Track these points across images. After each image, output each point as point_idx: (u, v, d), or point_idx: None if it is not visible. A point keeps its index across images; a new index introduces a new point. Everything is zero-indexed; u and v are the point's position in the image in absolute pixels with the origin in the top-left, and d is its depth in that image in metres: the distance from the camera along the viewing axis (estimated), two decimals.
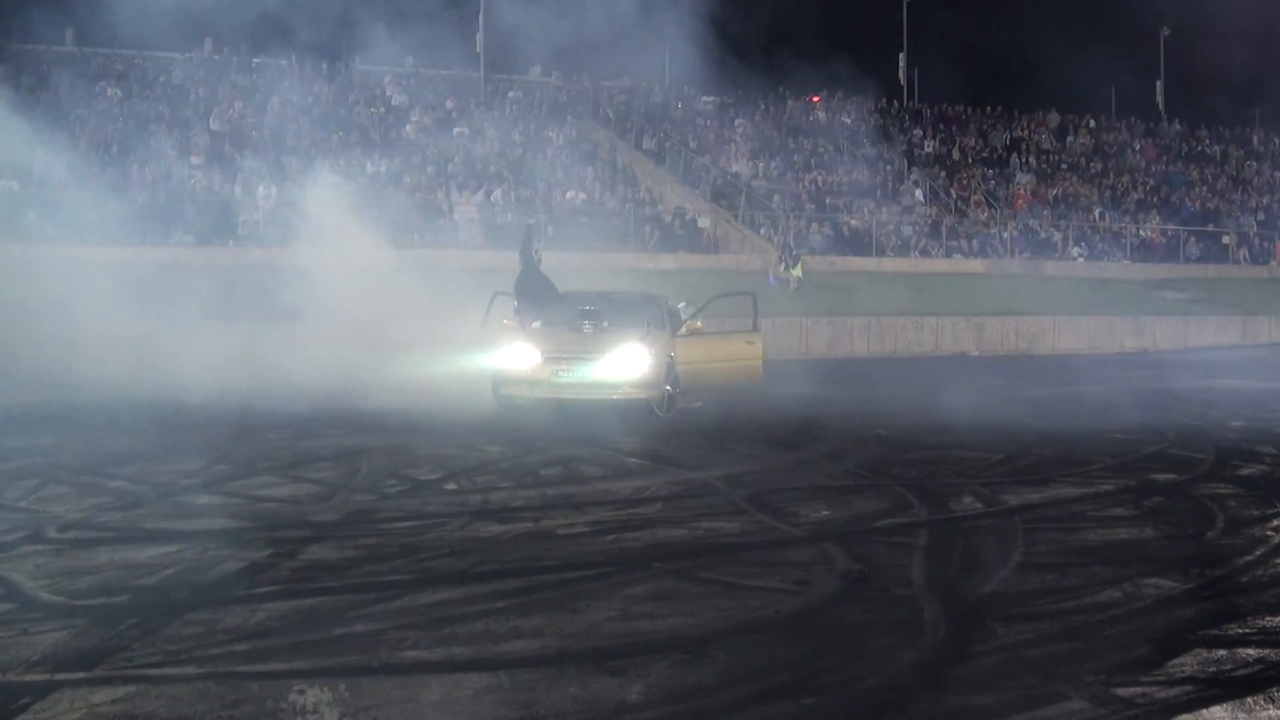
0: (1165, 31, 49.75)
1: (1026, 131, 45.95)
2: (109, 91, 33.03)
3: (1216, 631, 5.83)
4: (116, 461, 10.73)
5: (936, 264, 34.77)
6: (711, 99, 42.91)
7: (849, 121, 43.49)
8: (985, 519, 8.42)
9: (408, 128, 35.39)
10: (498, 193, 32.48)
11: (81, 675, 4.99)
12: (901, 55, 47.73)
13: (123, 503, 8.83)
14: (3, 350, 18.90)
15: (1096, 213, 40.64)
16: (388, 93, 37.42)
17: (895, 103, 46.51)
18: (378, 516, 8.44)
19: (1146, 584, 6.61)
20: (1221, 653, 5.47)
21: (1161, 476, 10.43)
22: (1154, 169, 44.98)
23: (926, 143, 43.26)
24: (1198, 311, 32.48)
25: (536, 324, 15.18)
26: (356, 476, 10.06)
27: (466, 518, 8.33)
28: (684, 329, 15.27)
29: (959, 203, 39.44)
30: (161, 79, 35.04)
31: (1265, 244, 40.50)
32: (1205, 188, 43.69)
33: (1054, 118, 46.94)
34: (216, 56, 37.28)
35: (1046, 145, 45.33)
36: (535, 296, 16.26)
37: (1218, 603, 6.32)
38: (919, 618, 5.85)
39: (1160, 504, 9.19)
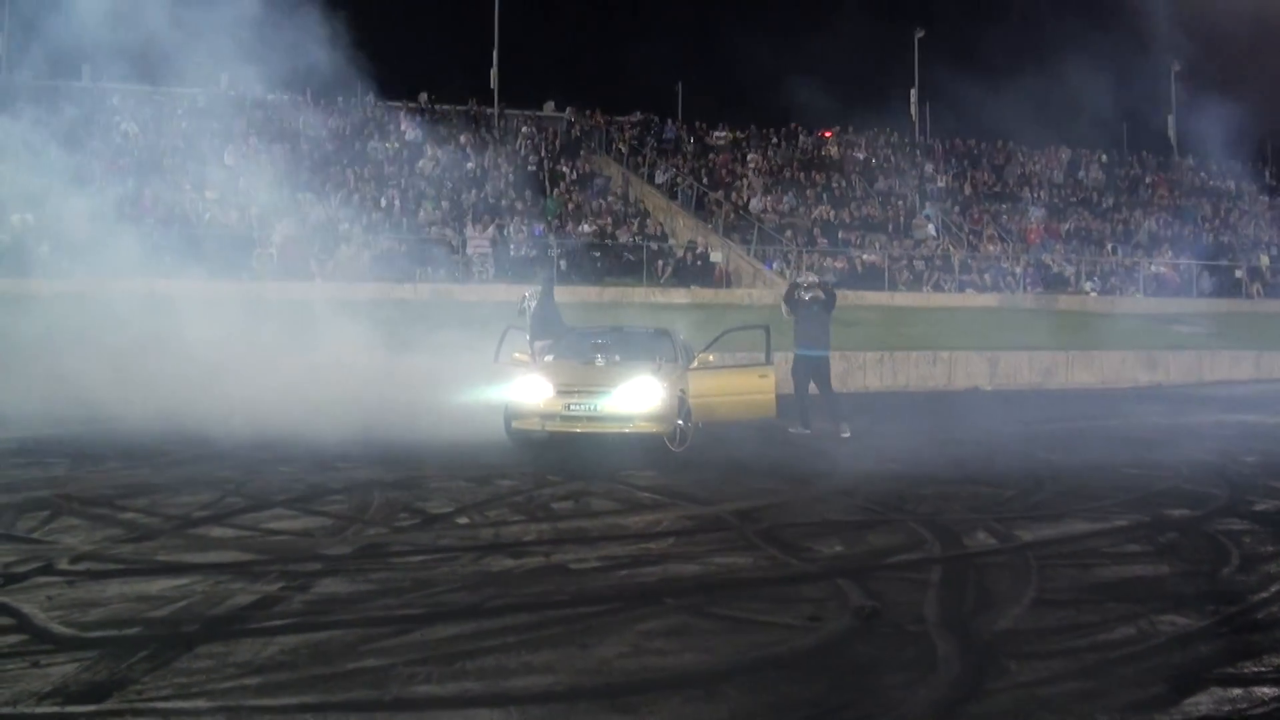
0: (1176, 66, 49.85)
1: (1038, 166, 46.01)
2: (124, 126, 33.27)
3: (1232, 670, 5.79)
4: (129, 493, 10.75)
5: (949, 298, 34.77)
6: (724, 133, 43.07)
7: (861, 156, 43.62)
8: (999, 555, 8.39)
9: (421, 162, 35.55)
10: (510, 227, 32.61)
11: (92, 708, 4.99)
12: (913, 90, 47.84)
13: (134, 534, 8.84)
14: (17, 383, 18.98)
15: (1109, 247, 40.64)
16: (402, 127, 37.61)
17: (907, 137, 46.63)
18: (390, 550, 8.43)
19: (1161, 621, 6.57)
20: (1237, 691, 5.43)
21: (1176, 512, 10.37)
22: (1166, 203, 44.98)
23: (938, 177, 43.34)
24: (1211, 346, 32.35)
25: (548, 357, 15.21)
26: (369, 510, 10.05)
27: (478, 552, 8.32)
28: (695, 362, 15.29)
29: (971, 237, 39.47)
30: (180, 113, 35.31)
31: (1278, 278, 40.40)
32: (1218, 222, 43.68)
33: (1065, 152, 47.02)
34: (232, 93, 37.54)
35: (1058, 180, 45.38)
36: (548, 329, 16.30)
37: (1233, 640, 6.28)
38: (932, 655, 5.82)
39: (1175, 540, 9.13)
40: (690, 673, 5.57)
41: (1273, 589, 7.41)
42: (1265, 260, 41.21)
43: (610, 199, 36.64)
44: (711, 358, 15.65)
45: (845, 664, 5.77)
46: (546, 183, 36.49)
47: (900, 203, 40.56)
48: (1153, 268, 39.48)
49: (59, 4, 27.32)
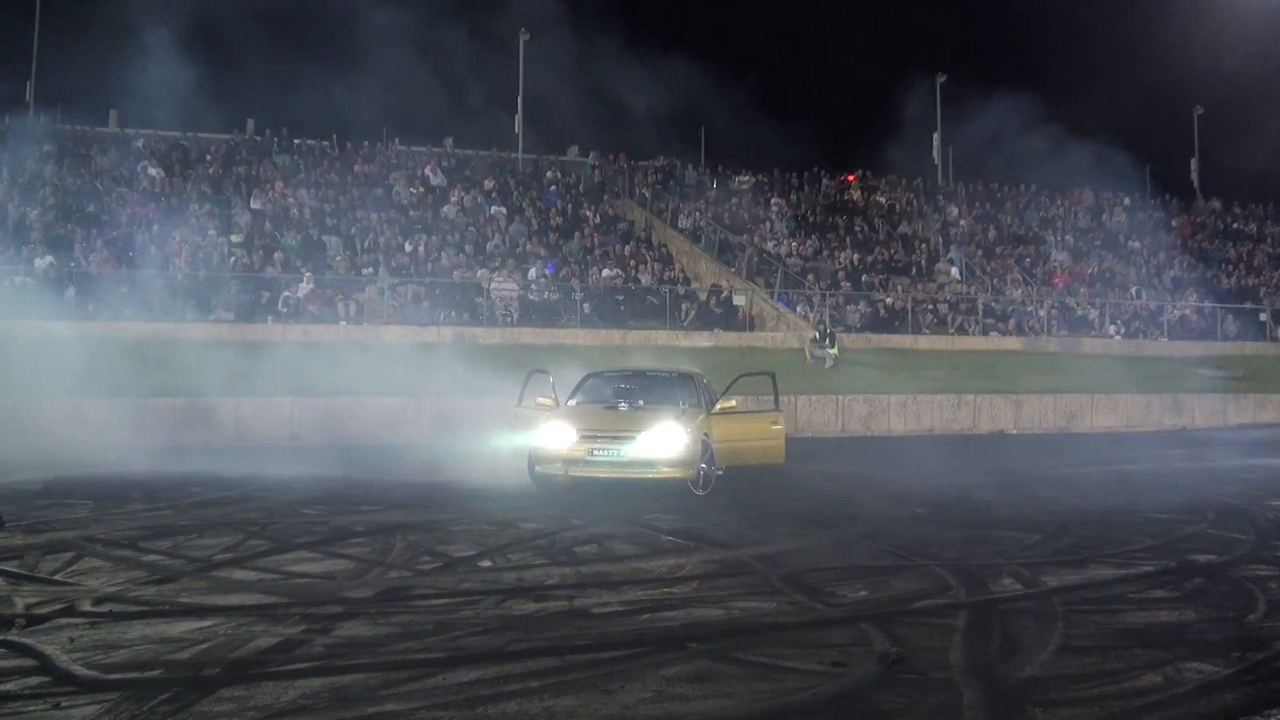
0: (1199, 110, 49.84)
1: (1061, 209, 45.95)
2: (150, 171, 33.55)
3: (1258, 718, 5.72)
4: (152, 535, 10.78)
5: (973, 341, 34.67)
6: (747, 178, 43.19)
7: (883, 200, 43.65)
8: (1024, 601, 8.32)
9: (446, 207, 35.73)
10: (531, 271, 32.71)
11: None
12: (935, 134, 47.87)
13: (157, 576, 8.85)
14: (40, 424, 19.08)
15: (1133, 290, 40.51)
16: (427, 173, 37.84)
17: (929, 181, 46.63)
18: (412, 593, 8.42)
19: (1187, 668, 6.50)
20: None
21: (1202, 557, 10.30)
22: (1189, 246, 44.84)
23: (961, 221, 43.30)
24: (1236, 389, 32.21)
25: (572, 402, 15.19)
26: (391, 553, 10.06)
27: (500, 595, 8.30)
28: (717, 407, 15.23)
29: (995, 280, 39.41)
30: (208, 157, 35.60)
31: None
32: (1241, 265, 43.51)
33: (1088, 196, 46.94)
34: (258, 138, 37.85)
35: (1082, 223, 45.30)
36: None
37: (1260, 687, 6.21)
38: (958, 702, 5.77)
39: (1201, 586, 9.05)
40: (713, 718, 5.53)
41: None
42: None
43: (634, 243, 36.72)
44: (733, 402, 15.62)
45: (870, 711, 5.72)
46: (570, 227, 36.60)
47: (923, 246, 40.54)
48: (1177, 311, 39.33)
49: (86, 49, 27.70)
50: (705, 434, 14.33)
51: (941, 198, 45.26)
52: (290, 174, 35.54)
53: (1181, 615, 8.01)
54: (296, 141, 37.74)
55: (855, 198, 43.78)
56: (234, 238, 31.09)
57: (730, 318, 33.09)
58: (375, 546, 10.41)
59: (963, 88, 48.99)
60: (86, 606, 7.68)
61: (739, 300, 33.85)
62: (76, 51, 29.74)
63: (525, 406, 15.36)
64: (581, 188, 40.48)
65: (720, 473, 14.63)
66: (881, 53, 58.53)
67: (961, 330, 35.52)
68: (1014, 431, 27.54)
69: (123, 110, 37.19)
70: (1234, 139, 47.40)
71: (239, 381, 21.50)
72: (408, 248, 32.45)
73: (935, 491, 15.22)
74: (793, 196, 42.70)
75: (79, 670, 6.14)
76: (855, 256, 38.26)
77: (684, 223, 39.01)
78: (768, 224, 39.99)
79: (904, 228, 41.86)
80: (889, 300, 35.78)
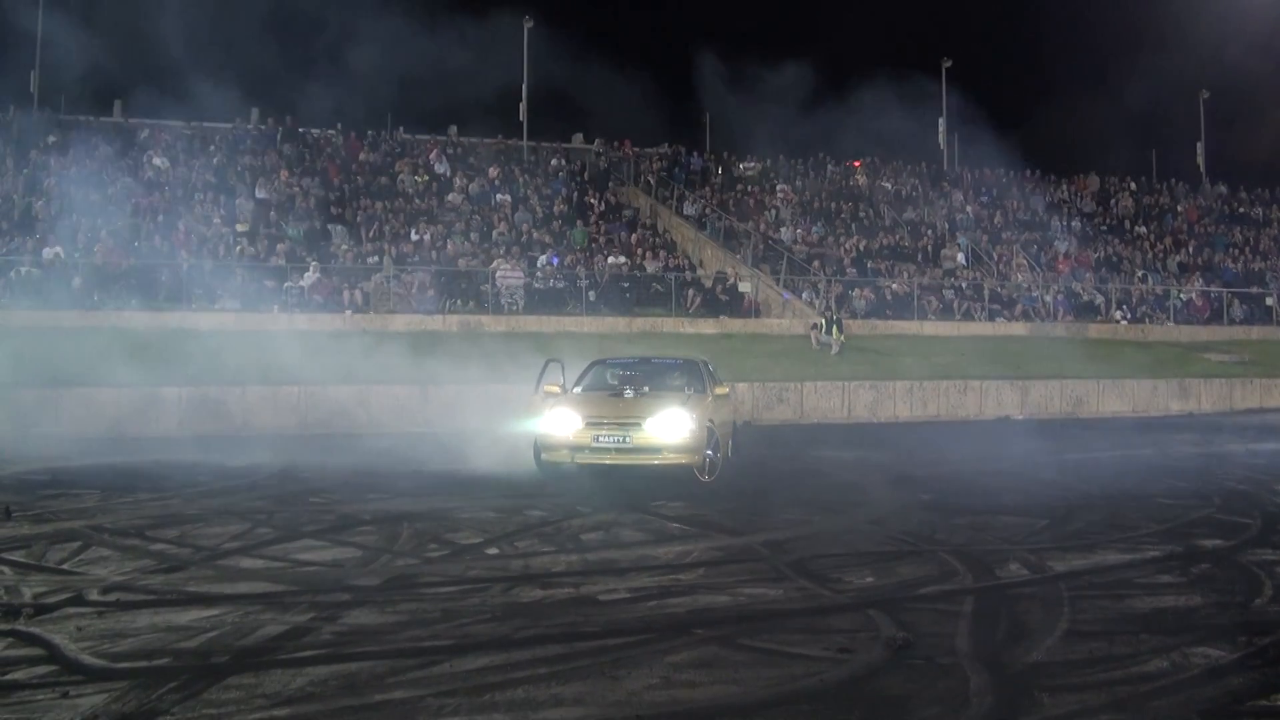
0: (1205, 94, 49.66)
1: (1067, 195, 45.84)
2: (155, 161, 33.55)
3: (1265, 702, 5.73)
4: (159, 524, 10.80)
5: (979, 327, 34.62)
6: (752, 164, 43.11)
7: (889, 186, 43.55)
8: (1031, 586, 8.32)
9: (451, 195, 35.71)
10: (541, 259, 32.70)
11: None
12: (941, 120, 47.70)
13: (165, 565, 8.87)
14: (48, 413, 19.13)
15: (1139, 274, 40.42)
16: (431, 161, 37.79)
17: (935, 167, 46.51)
18: (419, 581, 8.43)
19: (1194, 653, 6.50)
20: None
21: (1208, 542, 10.28)
22: (1196, 231, 44.75)
23: (967, 207, 43.21)
24: (1243, 374, 32.16)
25: (577, 389, 15.18)
26: (398, 541, 10.07)
27: (507, 583, 8.31)
28: (714, 393, 15.25)
29: (1001, 265, 39.34)
30: (212, 148, 35.56)
31: None
32: (1248, 249, 43.40)
33: (1094, 181, 46.83)
34: (263, 127, 37.81)
35: (1088, 208, 45.19)
36: None
37: (1267, 672, 6.20)
38: (964, 687, 5.77)
39: (1207, 571, 9.04)
40: (720, 705, 5.54)
41: None
42: None
43: (639, 230, 36.69)
44: (725, 389, 15.68)
45: (876, 696, 5.72)
46: (575, 215, 36.56)
47: (929, 232, 40.46)
48: (1183, 295, 39.26)
49: (90, 40, 27.67)
50: (710, 420, 14.33)
51: (947, 183, 45.16)
52: (295, 163, 35.52)
53: (1188, 600, 8.00)
54: (301, 130, 37.70)
55: (861, 184, 43.69)
56: (239, 227, 31.10)
57: (735, 305, 33.05)
58: (382, 534, 10.42)
59: (968, 73, 48.84)
60: (94, 595, 7.70)
61: (744, 287, 33.83)
62: (80, 42, 29.70)
63: (540, 394, 15.35)
64: (586, 175, 40.43)
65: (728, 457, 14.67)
66: (887, 38, 58.42)
67: (968, 316, 35.47)
68: (1020, 417, 27.51)
69: (127, 100, 37.23)
70: (1240, 123, 47.31)
71: (246, 371, 21.53)
72: (413, 236, 32.45)
73: (942, 477, 15.21)
74: (798, 183, 42.62)
75: (87, 659, 6.16)
76: (861, 243, 38.20)
77: (689, 210, 38.96)
78: (773, 210, 39.93)
79: (910, 214, 41.79)
80: (895, 286, 35.71)
